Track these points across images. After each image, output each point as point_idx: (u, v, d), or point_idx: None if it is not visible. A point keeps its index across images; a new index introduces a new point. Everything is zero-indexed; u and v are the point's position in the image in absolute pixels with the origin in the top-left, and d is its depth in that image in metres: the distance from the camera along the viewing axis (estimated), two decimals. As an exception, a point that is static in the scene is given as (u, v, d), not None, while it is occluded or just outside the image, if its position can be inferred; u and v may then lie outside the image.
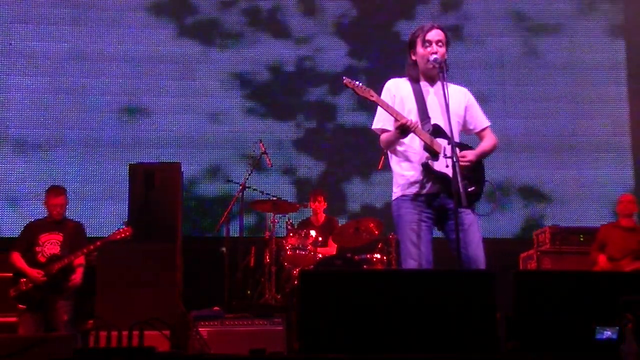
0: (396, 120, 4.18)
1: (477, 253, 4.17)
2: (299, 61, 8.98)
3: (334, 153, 8.79)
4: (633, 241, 7.10)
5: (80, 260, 6.32)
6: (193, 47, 8.85)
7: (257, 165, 7.38)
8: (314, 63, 8.97)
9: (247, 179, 7.14)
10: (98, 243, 6.22)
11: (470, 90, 4.55)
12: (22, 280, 6.18)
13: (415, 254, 4.20)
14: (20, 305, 6.15)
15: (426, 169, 4.23)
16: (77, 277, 6.30)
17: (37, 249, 6.32)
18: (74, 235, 6.44)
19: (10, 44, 8.67)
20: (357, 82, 4.22)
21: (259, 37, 8.98)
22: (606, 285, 3.56)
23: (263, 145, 7.35)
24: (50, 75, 8.65)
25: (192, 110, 8.72)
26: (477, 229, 4.23)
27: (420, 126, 4.23)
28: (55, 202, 6.47)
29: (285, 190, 8.35)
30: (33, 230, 6.46)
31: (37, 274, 6.16)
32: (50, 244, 6.35)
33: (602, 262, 7.07)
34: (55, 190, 6.56)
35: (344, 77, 4.23)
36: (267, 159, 7.32)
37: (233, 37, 8.94)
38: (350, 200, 8.64)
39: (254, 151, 7.49)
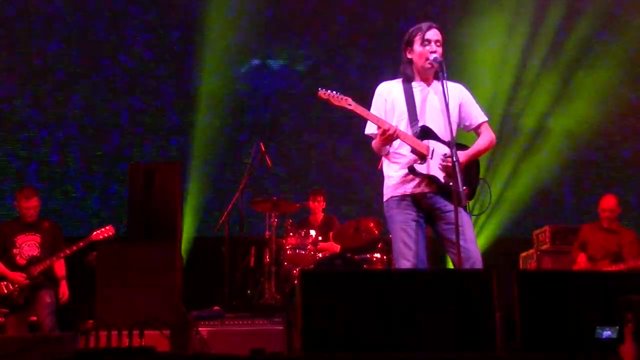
0: (378, 127, 4.19)
1: (472, 249, 4.17)
2: (298, 59, 8.99)
3: (334, 152, 8.79)
4: (613, 243, 7.05)
5: (61, 269, 6.31)
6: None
7: (258, 165, 7.37)
8: (314, 62, 8.98)
9: (247, 178, 7.14)
10: (81, 244, 6.18)
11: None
12: (1, 283, 6.12)
13: (408, 253, 4.20)
14: (1, 309, 6.07)
15: (412, 172, 4.24)
16: (65, 292, 6.30)
17: (15, 251, 6.25)
18: (52, 235, 6.40)
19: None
20: (333, 92, 4.16)
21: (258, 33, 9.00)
22: (606, 285, 3.56)
23: (263, 145, 7.34)
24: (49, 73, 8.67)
25: (194, 109, 8.73)
26: (469, 226, 4.23)
27: (405, 131, 4.24)
28: (28, 204, 6.35)
29: (285, 190, 8.35)
30: (7, 232, 6.36)
31: (19, 276, 6.10)
32: (27, 246, 6.28)
33: (581, 261, 7.01)
34: (28, 192, 6.43)
35: (318, 89, 4.17)
36: (267, 159, 7.31)
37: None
38: (350, 199, 8.64)
39: (254, 151, 7.49)
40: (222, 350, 5.26)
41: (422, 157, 4.24)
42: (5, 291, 6.11)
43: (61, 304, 6.29)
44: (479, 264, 4.17)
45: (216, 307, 6.01)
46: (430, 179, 4.24)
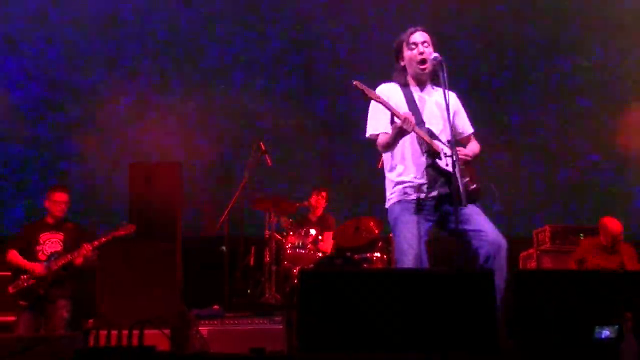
0: (397, 118, 4.15)
1: (489, 231, 4.16)
2: (299, 58, 9.00)
3: (334, 152, 8.80)
4: (614, 263, 6.94)
5: (79, 259, 6.34)
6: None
7: (258, 164, 7.38)
8: (316, 61, 8.98)
9: (248, 178, 7.14)
10: (103, 239, 6.21)
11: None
12: (22, 276, 6.18)
13: (410, 252, 4.19)
14: (21, 302, 6.14)
15: (433, 168, 4.23)
16: (79, 259, 6.27)
17: (38, 247, 6.33)
18: (75, 235, 6.45)
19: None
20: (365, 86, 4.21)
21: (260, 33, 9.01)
22: (606, 285, 3.56)
23: (263, 144, 7.35)
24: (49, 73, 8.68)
25: (195, 109, 8.73)
26: (479, 214, 4.22)
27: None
28: (60, 198, 6.47)
29: (285, 190, 8.36)
30: (32, 229, 6.46)
31: (38, 267, 6.16)
32: (51, 243, 6.37)
33: None
34: (61, 188, 6.59)
35: (354, 81, 4.16)
36: (268, 159, 7.32)
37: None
38: (350, 199, 8.64)
39: (254, 151, 7.49)
40: (222, 349, 5.27)
41: (437, 155, 4.24)
42: (25, 284, 6.16)
43: (75, 263, 6.26)
44: (499, 240, 4.13)
45: (216, 307, 6.03)
46: (448, 177, 4.21)
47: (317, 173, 8.76)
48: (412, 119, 4.12)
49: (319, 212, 7.74)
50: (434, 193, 4.27)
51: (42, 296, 6.17)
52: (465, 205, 4.05)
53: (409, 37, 4.36)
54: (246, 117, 8.82)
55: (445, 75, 4.17)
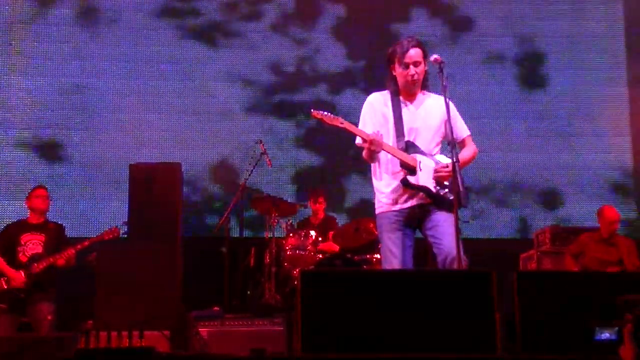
0: (364, 141, 4.28)
1: (445, 243, 4.21)
2: (299, 61, 8.99)
3: (334, 153, 8.78)
4: (612, 255, 6.97)
5: (61, 262, 6.25)
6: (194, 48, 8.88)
7: (257, 165, 7.36)
8: (313, 63, 8.98)
9: (247, 179, 7.14)
10: (85, 243, 6.18)
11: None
12: (1, 279, 6.10)
13: (394, 261, 4.30)
14: (1, 305, 6.04)
15: (405, 184, 4.32)
16: (61, 261, 6.17)
17: (19, 248, 6.24)
18: (56, 236, 6.39)
19: (11, 44, 8.69)
20: (325, 112, 4.32)
21: (259, 38, 9.00)
22: (606, 286, 3.56)
23: (263, 145, 7.35)
24: (50, 75, 8.67)
25: (193, 110, 8.73)
26: (446, 222, 4.27)
27: (392, 141, 4.34)
28: (40, 193, 6.44)
29: (285, 190, 8.35)
30: (13, 230, 6.38)
31: (18, 277, 6.07)
32: (32, 244, 6.28)
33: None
34: (39, 186, 6.60)
35: (311, 110, 4.34)
36: (267, 159, 7.31)
37: (233, 38, 8.96)
38: (350, 199, 8.64)
39: (254, 151, 7.48)
40: (222, 350, 5.27)
41: (411, 170, 4.31)
42: (5, 286, 6.08)
43: (56, 265, 6.19)
44: (451, 251, 4.10)
45: (216, 307, 6.02)
46: (421, 190, 4.33)
47: (317, 173, 8.75)
48: (379, 139, 4.23)
49: (321, 216, 7.72)
50: (411, 203, 4.35)
51: (21, 300, 6.09)
52: (464, 206, 4.10)
53: (402, 56, 4.38)
54: (246, 117, 8.82)
55: (445, 76, 4.20)
